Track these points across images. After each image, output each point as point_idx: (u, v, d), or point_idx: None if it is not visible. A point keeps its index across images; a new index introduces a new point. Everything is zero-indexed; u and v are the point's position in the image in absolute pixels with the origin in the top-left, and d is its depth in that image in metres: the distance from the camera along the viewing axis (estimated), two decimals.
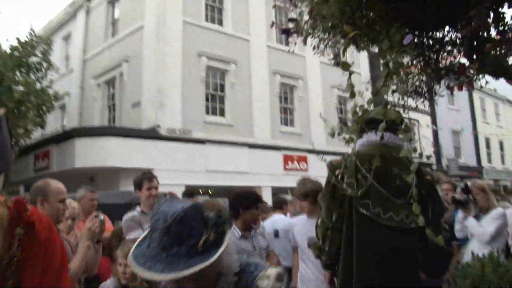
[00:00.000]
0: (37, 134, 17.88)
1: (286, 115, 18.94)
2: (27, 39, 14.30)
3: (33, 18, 69.54)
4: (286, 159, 17.62)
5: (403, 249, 2.51)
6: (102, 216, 3.26)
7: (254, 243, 4.11)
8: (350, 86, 2.61)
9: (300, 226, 4.17)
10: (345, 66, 2.58)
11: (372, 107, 2.83)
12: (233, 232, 4.02)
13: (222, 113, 16.66)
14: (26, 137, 15.24)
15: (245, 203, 4.12)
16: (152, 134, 14.23)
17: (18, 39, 13.93)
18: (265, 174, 16.43)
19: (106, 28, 18.46)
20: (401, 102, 3.11)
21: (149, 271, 1.35)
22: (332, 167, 2.81)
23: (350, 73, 2.61)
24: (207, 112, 16.18)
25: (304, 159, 18.07)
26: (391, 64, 2.43)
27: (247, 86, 17.29)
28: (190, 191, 7.68)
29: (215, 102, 16.63)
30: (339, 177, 2.69)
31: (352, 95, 2.65)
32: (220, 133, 15.97)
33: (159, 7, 15.35)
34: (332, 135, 2.98)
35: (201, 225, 1.41)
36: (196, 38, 15.93)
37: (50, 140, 15.59)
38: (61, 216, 3.09)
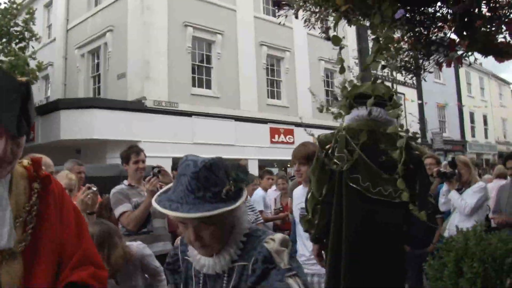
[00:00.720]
0: None
1: (273, 87, 18.89)
2: (6, 6, 13.91)
3: None
4: (273, 132, 17.66)
5: (390, 222, 2.57)
6: (95, 188, 3.29)
7: None
8: (340, 61, 2.61)
9: (296, 198, 4.03)
10: (336, 41, 2.58)
11: (360, 82, 2.84)
12: None
13: (208, 85, 16.55)
14: None
15: None
16: (138, 106, 14.11)
17: None
18: (251, 146, 16.47)
19: None
20: (390, 77, 3.13)
21: (175, 211, 1.47)
22: (321, 141, 2.84)
23: (341, 48, 2.61)
24: (194, 84, 16.05)
25: (291, 132, 18.13)
26: (381, 39, 2.43)
27: (233, 58, 17.14)
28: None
29: (201, 74, 16.50)
30: (329, 151, 2.72)
31: (342, 70, 2.65)
32: (207, 105, 15.89)
33: None
34: (321, 110, 3.00)
35: (225, 176, 1.55)
36: (181, 8, 15.66)
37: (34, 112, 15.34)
38: None
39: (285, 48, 19.06)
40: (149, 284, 3.18)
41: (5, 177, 1.55)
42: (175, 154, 13.25)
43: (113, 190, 4.15)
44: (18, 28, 14.18)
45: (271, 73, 18.85)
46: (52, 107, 14.32)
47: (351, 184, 2.58)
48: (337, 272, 2.59)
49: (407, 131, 2.52)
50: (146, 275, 3.18)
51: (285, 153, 13.37)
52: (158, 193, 1.63)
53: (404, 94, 22.79)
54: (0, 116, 1.42)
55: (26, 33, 14.39)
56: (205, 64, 16.59)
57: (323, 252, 3.05)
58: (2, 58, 13.53)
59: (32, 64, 15.04)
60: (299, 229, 3.62)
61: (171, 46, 15.17)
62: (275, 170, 12.94)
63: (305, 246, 3.70)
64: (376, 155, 2.60)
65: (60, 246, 1.62)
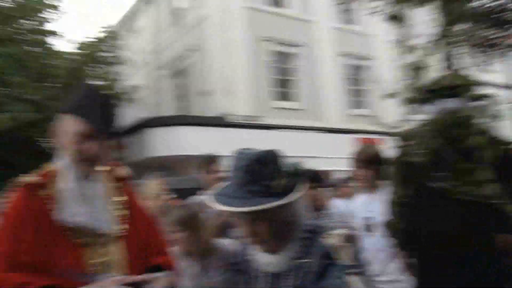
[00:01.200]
0: None
1: (356, 97, 18.38)
2: (101, 36, 14.82)
3: (106, 12, 72.86)
4: (358, 143, 17.11)
5: (481, 224, 2.30)
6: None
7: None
8: (402, 42, 2.42)
9: (357, 203, 3.69)
10: (397, 19, 2.39)
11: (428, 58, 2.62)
12: None
13: (290, 98, 16.45)
14: None
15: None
16: (221, 121, 14.28)
17: (93, 35, 14.44)
18: (335, 158, 16.03)
19: (173, 19, 18.72)
20: (469, 60, 2.87)
21: (229, 206, 1.45)
22: (403, 137, 2.62)
23: (402, 27, 2.45)
24: (275, 98, 16.02)
25: (376, 142, 17.46)
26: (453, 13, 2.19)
27: (314, 69, 16.92)
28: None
29: (283, 87, 16.43)
30: (412, 148, 2.50)
31: (407, 50, 2.47)
32: (289, 118, 15.76)
33: None
34: (390, 96, 2.82)
35: (279, 169, 1.50)
36: (260, 23, 15.75)
37: (123, 131, 16.10)
38: None
39: (365, 56, 18.51)
40: None
41: (99, 174, 1.81)
42: None
43: (191, 200, 4.16)
44: (109, 54, 15.03)
45: (353, 83, 18.37)
46: (140, 126, 14.91)
47: (435, 183, 2.33)
48: (426, 280, 2.36)
49: (496, 123, 2.25)
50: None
51: None
52: (219, 188, 1.61)
53: (488, 83, 21.16)
54: (91, 119, 1.67)
55: (116, 58, 15.20)
56: (286, 77, 16.50)
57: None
58: (94, 82, 14.34)
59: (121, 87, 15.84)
60: (367, 242, 3.23)
61: (252, 61, 15.27)
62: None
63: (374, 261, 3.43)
64: (463, 152, 2.34)
65: (145, 236, 1.90)
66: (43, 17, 14.86)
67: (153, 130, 14.12)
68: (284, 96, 16.37)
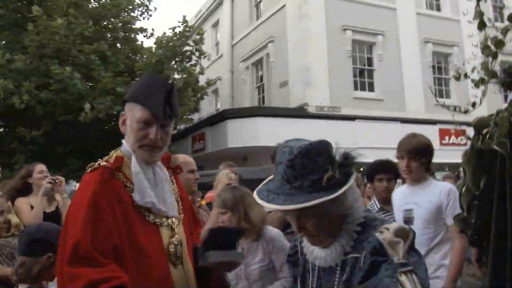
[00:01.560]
0: (194, 118, 19.15)
1: (441, 86, 17.55)
2: (180, 30, 15.23)
3: (183, 6, 74.92)
4: (443, 134, 16.33)
5: None
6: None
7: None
8: (480, 14, 2.22)
9: (398, 199, 3.45)
10: None
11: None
12: (372, 204, 4.06)
13: (371, 88, 16.06)
14: (185, 122, 16.35)
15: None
16: (300, 112, 14.24)
17: (173, 29, 14.90)
18: None
19: (251, 11, 18.88)
20: None
21: (271, 203, 1.37)
22: (478, 125, 2.43)
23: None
24: (356, 88, 15.71)
25: (463, 133, 16.54)
26: None
27: (396, 58, 16.36)
28: None
29: (363, 76, 16.07)
30: (487, 136, 2.30)
31: (482, 24, 2.26)
32: (370, 108, 15.38)
33: None
34: (458, 78, 2.63)
35: (327, 161, 1.36)
36: (339, 12, 15.46)
37: (205, 123, 16.55)
38: (193, 185, 3.48)
39: (452, 43, 17.57)
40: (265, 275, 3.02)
41: (159, 161, 1.87)
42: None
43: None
44: (189, 48, 15.42)
45: (438, 71, 17.54)
46: (219, 118, 15.22)
47: None
48: (500, 280, 2.16)
49: None
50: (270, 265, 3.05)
51: (456, 156, 12.23)
52: (264, 182, 1.52)
53: None
54: (152, 106, 1.72)
55: (196, 52, 15.58)
56: (366, 67, 16.11)
57: (483, 257, 2.55)
58: (176, 76, 14.80)
59: (202, 80, 16.23)
60: None
61: (331, 51, 15.06)
62: (439, 175, 11.90)
63: None
64: None
65: (188, 223, 2.01)
66: (133, 16, 15.57)
67: (232, 121, 14.36)
68: (365, 86, 15.99)
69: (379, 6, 16.38)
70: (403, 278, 1.22)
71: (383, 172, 4.02)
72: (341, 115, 14.73)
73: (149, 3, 16.18)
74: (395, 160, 3.46)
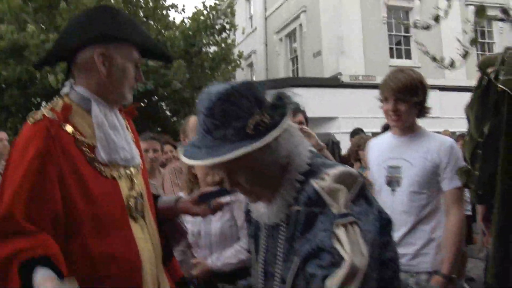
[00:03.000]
0: None
1: (484, 51, 16.83)
2: (211, 4, 15.14)
3: None
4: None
5: None
6: None
7: None
8: None
9: (378, 151, 2.70)
10: None
11: None
12: None
13: (408, 56, 15.57)
14: None
15: None
16: (334, 82, 14.00)
17: (203, 3, 14.83)
18: (460, 118, 14.89)
19: None
20: None
21: (193, 158, 1.18)
22: (482, 63, 2.08)
23: None
24: (392, 56, 15.28)
25: None
26: None
27: (433, 23, 15.72)
28: (357, 130, 7.07)
29: (399, 44, 15.59)
30: (493, 75, 1.98)
31: None
32: (425, 55, 14.94)
33: None
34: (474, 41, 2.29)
35: (253, 104, 1.16)
36: None
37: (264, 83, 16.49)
38: None
39: (497, 4, 16.71)
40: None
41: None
42: (374, 129, 12.76)
43: None
44: (220, 21, 15.33)
45: (481, 36, 16.80)
46: None
47: None
48: (508, 244, 1.90)
49: None
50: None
51: None
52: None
53: None
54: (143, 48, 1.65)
55: (227, 25, 15.47)
56: (403, 33, 15.61)
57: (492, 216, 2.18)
58: (208, 49, 14.76)
59: (235, 54, 16.17)
60: (387, 201, 2.47)
61: (365, 18, 14.65)
62: None
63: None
64: None
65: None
66: None
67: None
68: (401, 54, 15.53)
69: None
70: (340, 231, 1.05)
71: None
72: (376, 84, 14.33)
73: None
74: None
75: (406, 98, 2.42)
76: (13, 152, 1.50)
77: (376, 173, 2.62)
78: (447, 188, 2.42)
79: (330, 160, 3.41)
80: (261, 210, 1.32)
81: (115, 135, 1.60)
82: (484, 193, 2.10)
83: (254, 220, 1.42)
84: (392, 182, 2.51)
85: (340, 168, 1.18)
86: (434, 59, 2.30)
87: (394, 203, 2.45)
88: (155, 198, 1.86)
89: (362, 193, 1.17)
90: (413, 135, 2.55)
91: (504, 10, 2.37)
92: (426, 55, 2.41)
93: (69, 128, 1.52)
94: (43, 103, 12.69)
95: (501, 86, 1.90)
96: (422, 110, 2.52)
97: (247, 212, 1.49)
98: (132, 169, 1.67)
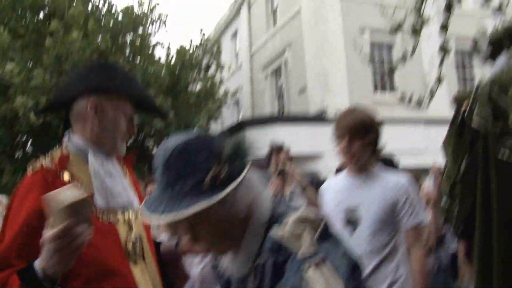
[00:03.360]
0: (216, 129, 19.11)
1: (465, 83, 17.08)
2: (198, 44, 15.27)
3: (204, 20, 76.06)
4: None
5: None
6: None
7: None
8: None
9: (333, 189, 2.67)
10: None
11: None
12: None
13: (392, 89, 15.71)
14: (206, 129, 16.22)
15: None
16: (320, 118, 14.02)
17: (191, 41, 14.96)
18: None
19: (267, 19, 18.82)
20: None
21: (152, 213, 1.14)
22: (458, 99, 2.08)
23: None
24: (376, 90, 15.39)
25: None
26: None
27: (417, 57, 15.95)
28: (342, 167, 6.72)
29: (383, 78, 15.75)
30: (467, 110, 1.96)
31: None
32: (392, 110, 15.06)
33: None
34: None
35: (209, 158, 1.14)
36: (356, 13, 15.22)
37: (225, 134, 16.45)
38: None
39: (474, 37, 17.07)
40: None
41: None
42: None
43: None
44: (207, 60, 15.44)
45: (461, 68, 17.08)
46: (238, 127, 15.12)
47: (502, 153, 1.83)
48: (487, 278, 1.85)
49: None
50: None
51: None
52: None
53: None
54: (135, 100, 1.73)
55: (214, 64, 15.57)
56: (386, 68, 15.80)
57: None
58: (194, 88, 14.80)
59: (222, 91, 16.20)
60: (349, 241, 2.51)
61: (349, 54, 14.82)
62: None
63: None
64: None
65: None
66: (148, 32, 15.66)
67: (252, 130, 14.26)
68: (385, 87, 15.67)
69: (396, 5, 16.08)
70: (310, 272, 1.02)
71: None
72: None
73: (166, 18, 16.26)
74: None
75: (359, 137, 2.44)
76: (15, 198, 1.59)
77: (333, 215, 2.52)
78: (406, 226, 2.42)
79: (313, 198, 3.30)
80: (227, 263, 1.28)
81: (111, 182, 1.67)
82: (464, 229, 2.07)
83: (224, 274, 1.38)
84: (351, 223, 2.48)
85: (302, 211, 1.18)
86: (402, 98, 2.30)
87: (355, 244, 2.38)
88: (156, 244, 1.90)
89: (327, 232, 1.14)
90: (369, 174, 2.54)
91: (475, 44, 2.37)
92: (401, 95, 2.43)
93: (66, 177, 1.60)
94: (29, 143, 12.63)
95: (474, 125, 1.90)
96: (375, 150, 2.53)
97: (215, 267, 1.43)
98: (130, 213, 1.72)
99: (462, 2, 17.34)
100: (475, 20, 16.72)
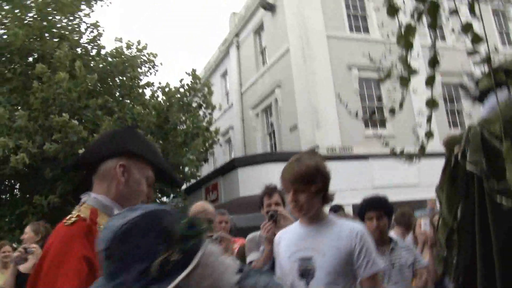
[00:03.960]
0: (209, 169, 18.93)
1: (454, 117, 17.15)
2: (188, 83, 15.31)
3: (193, 61, 77.12)
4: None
5: None
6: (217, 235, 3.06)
7: (392, 259, 3.43)
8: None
9: (286, 239, 2.56)
10: None
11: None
12: None
13: (382, 125, 15.73)
14: (194, 168, 15.96)
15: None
16: None
17: (180, 81, 14.98)
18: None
19: (256, 58, 19.00)
20: None
21: None
22: (449, 143, 1.96)
23: None
24: (367, 126, 15.40)
25: None
26: None
27: (406, 92, 16.08)
28: (336, 206, 6.47)
29: (374, 113, 15.80)
30: (460, 155, 1.86)
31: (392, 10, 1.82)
32: (383, 146, 15.01)
33: (300, 27, 15.25)
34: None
35: (158, 241, 0.96)
36: (343, 51, 15.39)
37: (217, 173, 16.31)
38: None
39: (464, 72, 17.29)
40: None
41: None
42: (354, 200, 12.55)
43: (247, 237, 3.71)
44: (198, 100, 15.45)
45: (450, 103, 17.19)
46: (230, 167, 14.99)
47: (499, 199, 1.67)
48: None
49: None
50: None
51: None
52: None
53: None
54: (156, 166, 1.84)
55: (204, 104, 15.57)
56: (376, 104, 15.86)
57: None
58: (183, 126, 14.70)
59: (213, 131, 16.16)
60: None
61: (338, 91, 14.90)
62: None
63: None
64: None
65: None
66: (140, 72, 15.71)
67: (243, 169, 14.12)
68: (376, 124, 15.69)
69: (383, 42, 16.29)
70: None
71: (372, 210, 3.54)
72: (353, 155, 14.38)
73: (155, 59, 16.35)
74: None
75: (304, 188, 2.33)
76: (53, 253, 1.55)
77: (287, 267, 2.43)
78: (363, 275, 2.30)
79: None
80: None
81: None
82: (464, 281, 1.87)
83: None
84: (305, 274, 2.34)
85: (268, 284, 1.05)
86: (393, 152, 2.12)
87: None
88: None
89: None
90: (321, 223, 2.43)
91: (462, 86, 2.25)
92: (391, 149, 2.23)
93: (101, 228, 1.59)
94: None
95: (469, 168, 1.77)
96: (325, 197, 2.42)
97: None
98: None
99: (446, 38, 17.66)
100: (461, 53, 16.98)
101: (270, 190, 3.69)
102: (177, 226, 0.99)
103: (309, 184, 2.32)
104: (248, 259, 3.55)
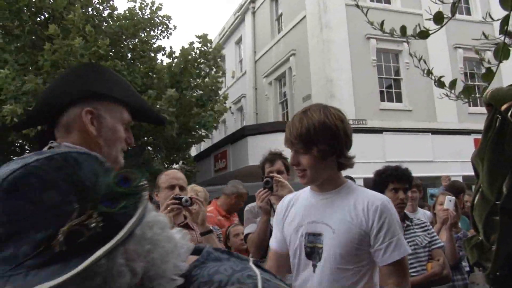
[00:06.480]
0: (219, 136, 18.75)
1: (474, 93, 16.64)
2: (199, 46, 14.96)
3: (206, 26, 76.27)
4: (478, 144, 15.41)
5: None
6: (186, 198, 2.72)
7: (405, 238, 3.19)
8: None
9: (293, 207, 2.07)
10: None
11: None
12: None
13: (398, 98, 15.32)
14: (203, 138, 15.72)
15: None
16: None
17: (190, 44, 14.67)
18: (453, 162, 14.55)
19: (272, 26, 18.52)
20: None
21: None
22: (494, 98, 1.58)
23: None
24: (382, 99, 15.02)
25: None
26: None
27: (424, 66, 15.59)
28: (347, 178, 6.18)
29: (390, 87, 15.37)
30: (511, 112, 1.49)
31: None
32: (398, 120, 14.64)
33: None
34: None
35: (68, 196, 0.63)
36: (362, 20, 14.84)
37: (227, 141, 16.12)
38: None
39: (486, 48, 16.65)
40: None
41: None
42: (366, 174, 12.31)
43: (245, 208, 3.44)
44: (208, 63, 15.15)
45: (470, 78, 16.66)
46: (240, 135, 14.77)
47: None
48: None
49: None
50: None
51: None
52: None
53: None
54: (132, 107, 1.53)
55: (214, 69, 15.27)
56: (393, 77, 15.41)
57: None
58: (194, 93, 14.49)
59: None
60: (306, 280, 1.91)
61: (354, 61, 14.46)
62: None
63: None
64: None
65: None
66: (152, 35, 15.39)
67: (252, 138, 13.89)
68: (392, 97, 15.28)
69: (404, 12, 15.71)
70: None
71: (398, 181, 3.15)
72: (367, 127, 14.04)
73: (169, 22, 15.98)
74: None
75: (305, 150, 1.87)
76: None
77: (292, 242, 1.96)
78: (382, 263, 1.82)
79: None
80: None
81: None
82: (504, 275, 1.56)
83: None
84: (314, 254, 1.88)
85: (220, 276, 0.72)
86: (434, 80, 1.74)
87: (317, 283, 1.85)
88: None
89: None
90: (336, 191, 1.94)
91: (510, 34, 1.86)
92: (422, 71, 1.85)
93: None
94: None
95: None
96: (340, 162, 1.92)
97: None
98: None
99: (471, 13, 17.01)
100: (481, 29, 16.34)
101: (272, 157, 3.39)
102: (102, 178, 0.67)
103: (311, 144, 1.85)
104: (245, 231, 3.34)
